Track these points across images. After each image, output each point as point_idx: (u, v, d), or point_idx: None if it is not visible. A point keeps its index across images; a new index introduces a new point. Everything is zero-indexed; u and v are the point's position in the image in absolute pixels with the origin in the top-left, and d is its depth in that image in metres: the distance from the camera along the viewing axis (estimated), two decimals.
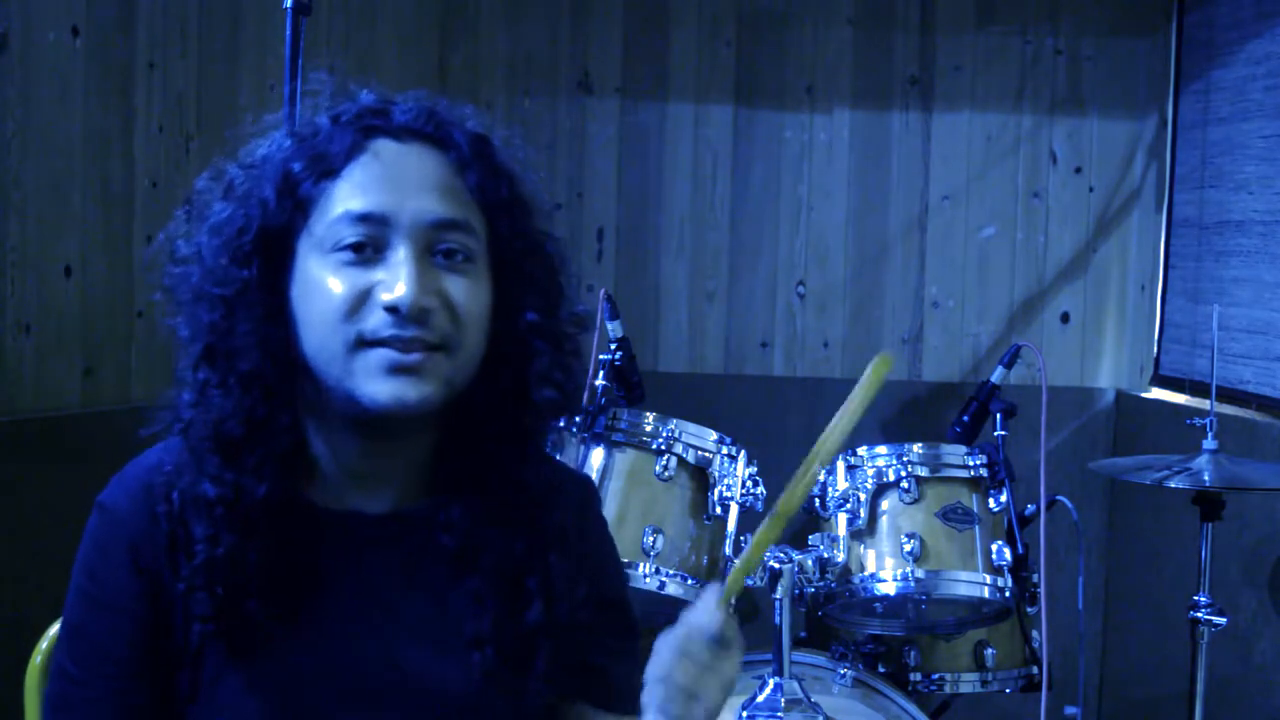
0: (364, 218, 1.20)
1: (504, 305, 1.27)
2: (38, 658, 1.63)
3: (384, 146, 1.24)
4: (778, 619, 2.21)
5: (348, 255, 1.20)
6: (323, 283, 1.20)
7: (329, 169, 1.23)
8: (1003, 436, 2.55)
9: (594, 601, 1.35)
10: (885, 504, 2.47)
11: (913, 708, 2.35)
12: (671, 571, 2.37)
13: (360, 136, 1.24)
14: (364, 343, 1.19)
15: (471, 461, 1.30)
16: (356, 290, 1.19)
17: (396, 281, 1.18)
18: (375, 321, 1.19)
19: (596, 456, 2.42)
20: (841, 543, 2.45)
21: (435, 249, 1.22)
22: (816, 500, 2.57)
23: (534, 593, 1.28)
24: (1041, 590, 2.46)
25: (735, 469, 2.46)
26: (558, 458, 1.46)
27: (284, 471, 1.24)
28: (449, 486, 1.30)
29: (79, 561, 1.29)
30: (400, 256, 1.20)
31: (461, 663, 1.27)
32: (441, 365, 1.21)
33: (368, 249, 1.20)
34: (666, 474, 2.40)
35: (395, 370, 1.19)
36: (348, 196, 1.22)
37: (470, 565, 1.28)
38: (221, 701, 1.24)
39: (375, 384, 1.19)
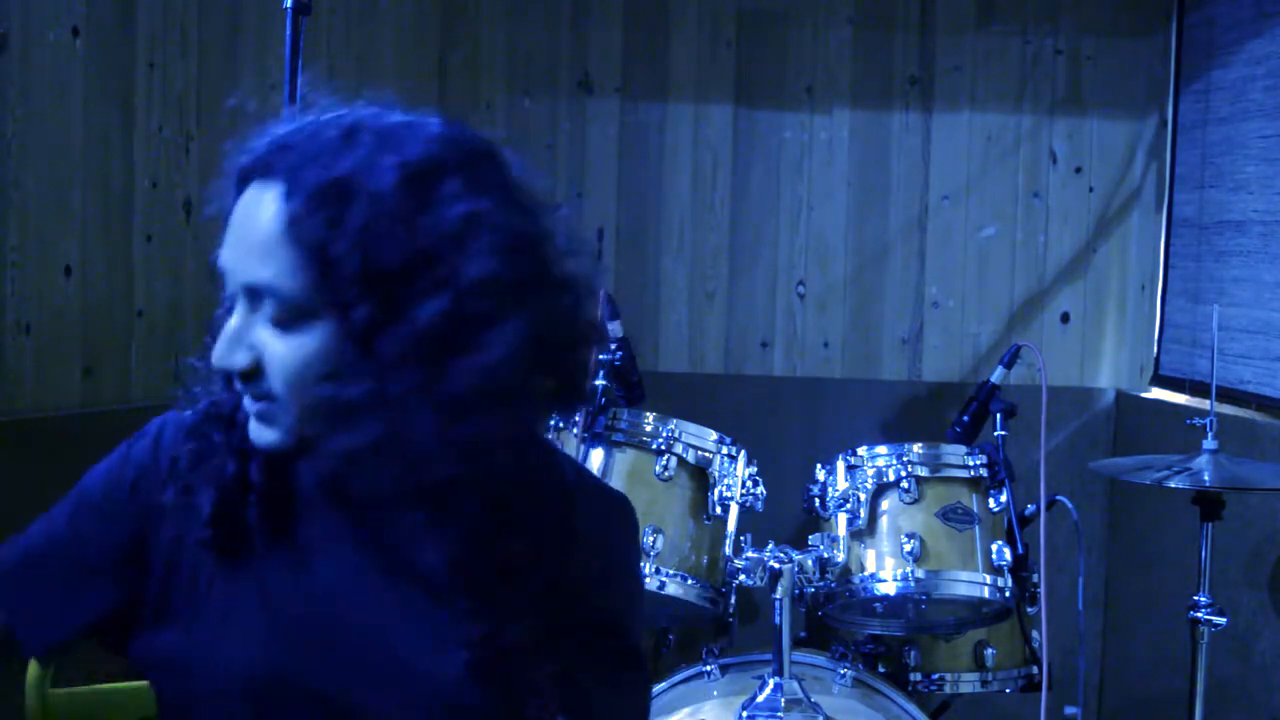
0: (219, 271, 1.22)
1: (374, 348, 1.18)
2: None
3: (245, 192, 1.21)
4: (778, 619, 2.21)
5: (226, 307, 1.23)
6: None
7: (225, 219, 1.24)
8: (1003, 436, 2.55)
9: (583, 621, 1.30)
10: (885, 504, 2.47)
11: (913, 708, 2.35)
12: (671, 571, 2.37)
13: (235, 182, 1.23)
14: None
15: None
16: None
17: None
18: None
19: (596, 456, 2.42)
20: (841, 543, 2.45)
21: (254, 303, 1.20)
22: (817, 500, 2.57)
23: (509, 613, 1.24)
24: (1041, 590, 2.46)
25: (735, 469, 2.46)
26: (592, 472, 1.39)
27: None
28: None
29: (88, 473, 1.35)
30: (234, 313, 1.21)
31: (436, 672, 1.25)
32: (279, 414, 1.22)
33: (227, 304, 1.22)
34: (666, 474, 2.40)
35: (252, 414, 1.23)
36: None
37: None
38: (214, 611, 1.27)
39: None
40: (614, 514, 1.38)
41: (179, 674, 1.28)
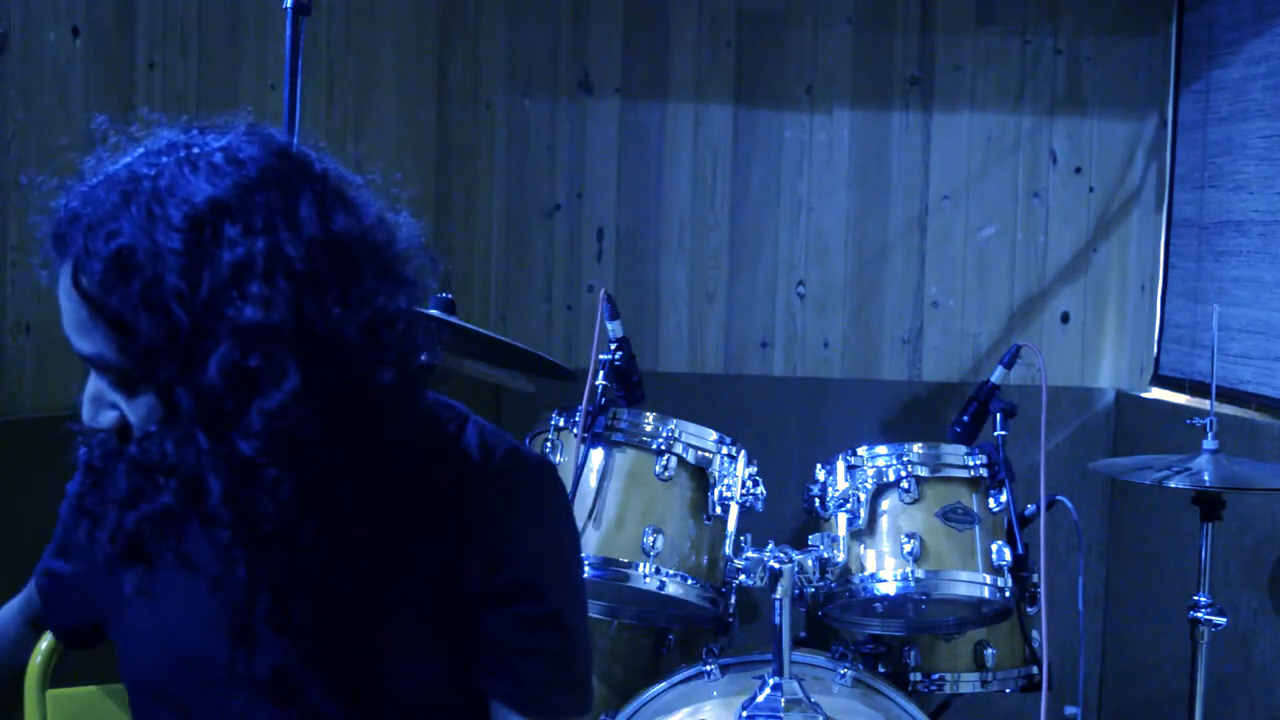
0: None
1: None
2: (37, 658, 1.64)
3: (59, 265, 1.22)
4: (778, 619, 2.21)
5: None
6: None
7: None
8: (1003, 436, 2.54)
9: (497, 589, 1.30)
10: (885, 504, 2.47)
11: (913, 708, 2.35)
12: (671, 571, 2.37)
13: (53, 249, 1.23)
14: None
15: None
16: None
17: None
18: None
19: (596, 456, 2.42)
20: (841, 543, 2.45)
21: (101, 374, 1.22)
22: (817, 500, 2.57)
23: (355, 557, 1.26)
24: (1041, 590, 2.46)
25: (735, 469, 2.46)
26: (464, 438, 1.35)
27: None
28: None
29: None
30: (90, 376, 1.24)
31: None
32: None
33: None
34: (666, 474, 2.40)
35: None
36: None
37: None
38: (124, 622, 1.38)
39: None
40: (526, 480, 1.36)
41: (126, 673, 1.41)
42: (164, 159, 1.19)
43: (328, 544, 1.23)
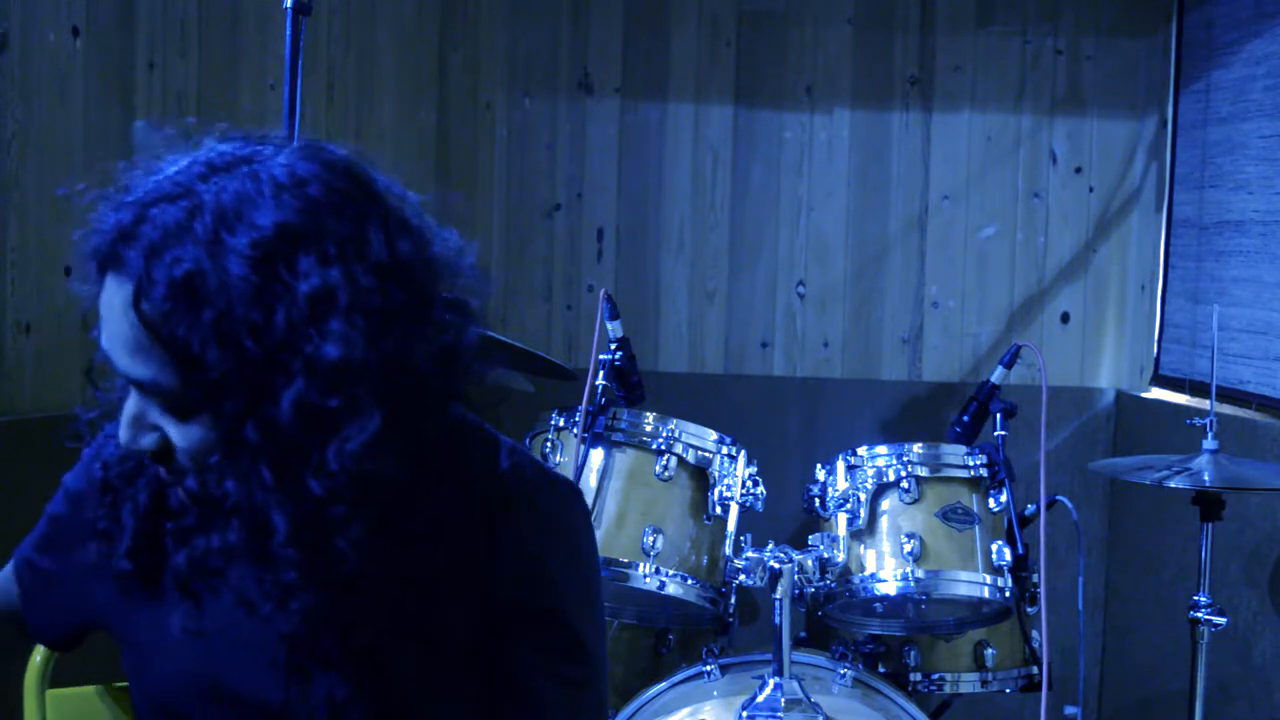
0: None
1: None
2: (37, 657, 1.64)
3: (105, 281, 1.15)
4: (778, 619, 2.21)
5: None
6: None
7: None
8: (1003, 436, 2.55)
9: (524, 614, 1.28)
10: (885, 504, 2.47)
11: (913, 708, 2.35)
12: (671, 571, 2.37)
13: (95, 265, 1.16)
14: None
15: None
16: None
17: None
18: None
19: (596, 456, 2.42)
20: (841, 543, 2.45)
21: (148, 396, 1.17)
22: (817, 500, 2.57)
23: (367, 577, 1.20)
24: (1041, 590, 2.46)
25: (735, 469, 2.46)
26: (494, 460, 1.31)
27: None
28: None
29: (40, 528, 1.42)
30: (130, 397, 1.19)
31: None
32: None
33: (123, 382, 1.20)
34: (666, 474, 2.40)
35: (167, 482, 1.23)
36: None
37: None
38: (144, 630, 1.31)
39: None
40: (555, 504, 1.33)
41: (135, 685, 1.35)
42: (222, 176, 1.13)
43: (385, 577, 1.20)
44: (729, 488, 2.44)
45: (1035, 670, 2.55)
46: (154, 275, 1.10)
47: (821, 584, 2.43)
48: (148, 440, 1.17)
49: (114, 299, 1.13)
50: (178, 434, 1.16)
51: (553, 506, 1.32)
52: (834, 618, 2.52)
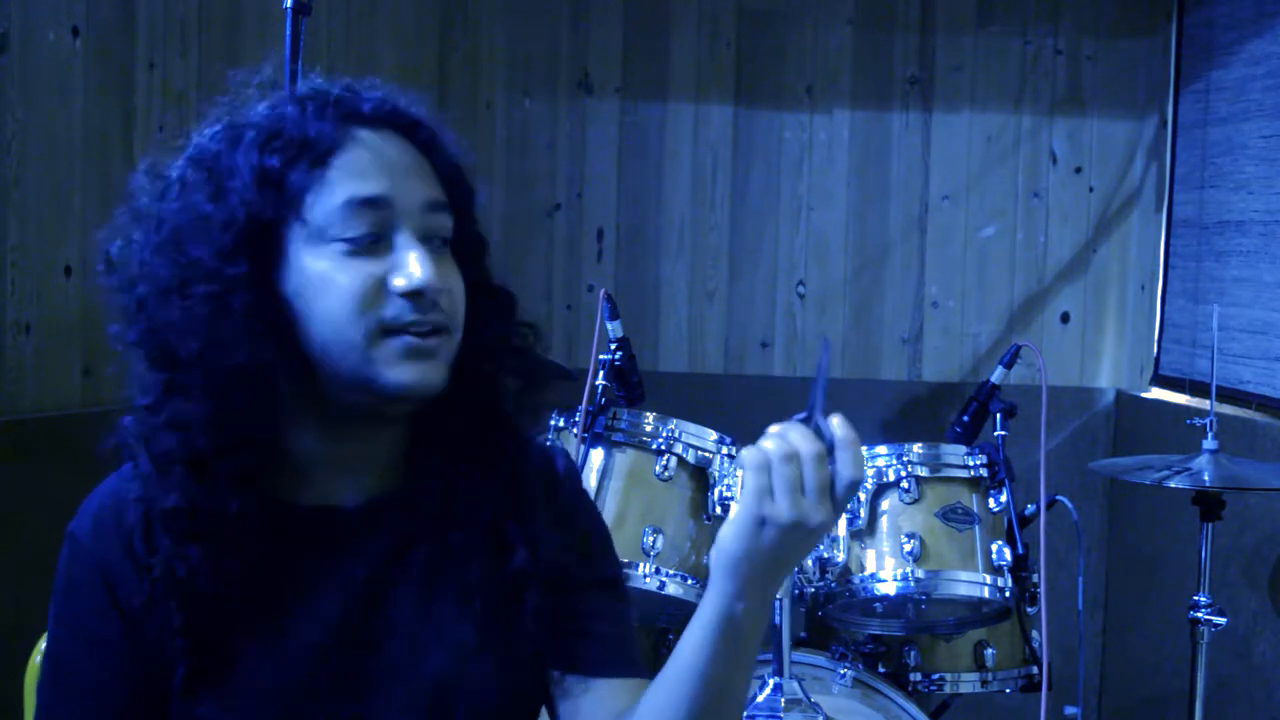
0: (370, 202, 1.19)
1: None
2: (37, 657, 1.63)
3: (364, 134, 1.24)
4: (778, 619, 2.21)
5: (350, 245, 1.19)
6: (332, 275, 1.19)
7: (317, 158, 1.21)
8: (1003, 436, 2.55)
9: (580, 566, 1.35)
10: (885, 504, 2.47)
11: (913, 708, 2.35)
12: (671, 571, 2.37)
13: (341, 124, 1.24)
14: (386, 330, 1.19)
15: (445, 439, 1.30)
16: (371, 279, 1.19)
17: (411, 268, 1.19)
18: (395, 309, 1.19)
19: (596, 457, 2.42)
20: (841, 543, 2.45)
21: (426, 234, 1.23)
22: None
23: (515, 541, 1.29)
24: (1041, 590, 2.46)
25: (735, 469, 2.46)
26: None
27: (257, 474, 1.22)
28: (424, 468, 1.30)
29: (56, 593, 1.27)
30: (406, 242, 1.21)
31: (449, 642, 1.26)
32: (447, 347, 1.23)
33: (371, 237, 1.20)
34: (666, 474, 2.40)
35: (415, 355, 1.20)
36: (347, 184, 1.20)
37: (450, 529, 1.28)
38: (235, 670, 1.21)
39: (397, 370, 1.19)
40: (555, 458, 1.41)
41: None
42: None
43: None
44: (729, 488, 2.44)
45: (1035, 670, 2.55)
46: (440, 138, 1.35)
47: (821, 584, 2.43)
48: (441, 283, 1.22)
49: (401, 144, 1.28)
50: (454, 272, 1.26)
51: (556, 463, 1.42)
52: (834, 618, 2.52)
